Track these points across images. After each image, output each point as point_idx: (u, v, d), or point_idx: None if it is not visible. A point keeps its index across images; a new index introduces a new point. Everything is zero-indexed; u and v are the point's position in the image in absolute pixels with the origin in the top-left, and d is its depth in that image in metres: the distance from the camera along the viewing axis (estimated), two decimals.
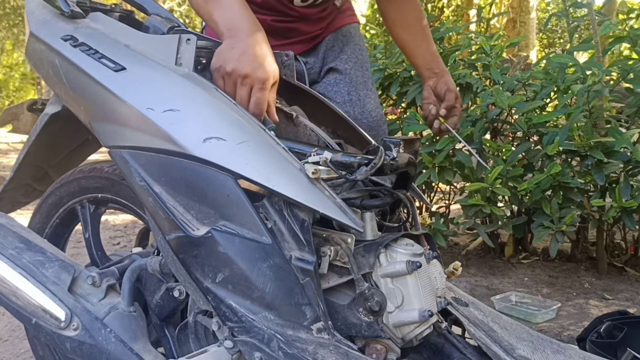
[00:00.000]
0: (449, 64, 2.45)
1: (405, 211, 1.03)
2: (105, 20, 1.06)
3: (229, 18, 0.99)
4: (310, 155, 0.87)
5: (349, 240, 0.85)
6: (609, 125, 2.18)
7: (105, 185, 1.15)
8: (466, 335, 0.96)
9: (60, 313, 0.99)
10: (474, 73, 2.45)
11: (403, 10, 1.39)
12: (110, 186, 1.14)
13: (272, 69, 0.96)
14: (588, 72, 2.10)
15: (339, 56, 1.43)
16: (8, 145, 8.88)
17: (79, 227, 1.32)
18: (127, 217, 3.48)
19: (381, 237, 0.91)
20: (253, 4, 1.31)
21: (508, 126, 2.45)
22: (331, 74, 1.42)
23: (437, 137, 2.41)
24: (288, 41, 1.37)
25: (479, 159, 1.49)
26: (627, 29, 2.18)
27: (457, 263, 1.05)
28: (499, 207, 2.28)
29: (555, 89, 2.22)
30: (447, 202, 2.80)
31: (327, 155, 0.86)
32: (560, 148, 2.06)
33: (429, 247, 0.98)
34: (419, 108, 2.59)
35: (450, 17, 8.17)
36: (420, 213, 2.84)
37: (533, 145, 2.26)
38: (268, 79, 0.95)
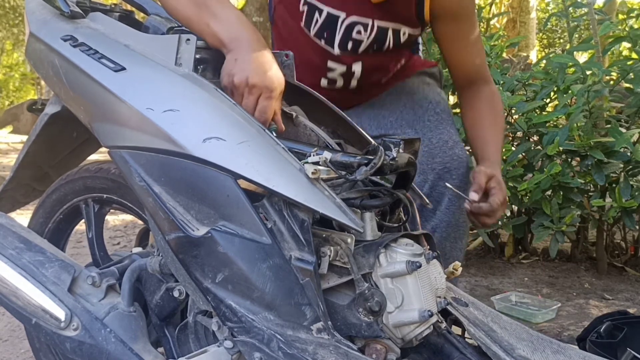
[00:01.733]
0: None
1: (405, 211, 1.02)
2: (105, 20, 1.06)
3: (228, 28, 0.97)
4: (310, 155, 0.87)
5: (349, 240, 0.85)
6: (609, 125, 2.18)
7: (111, 186, 1.15)
8: (466, 335, 0.96)
9: (60, 313, 0.99)
10: None
11: (477, 108, 1.33)
12: (117, 188, 1.14)
13: (278, 77, 0.96)
14: (588, 72, 2.10)
15: (382, 122, 1.38)
16: (8, 145, 8.88)
17: (79, 227, 1.32)
18: (127, 217, 3.48)
19: (381, 237, 0.91)
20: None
21: (508, 126, 2.45)
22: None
23: None
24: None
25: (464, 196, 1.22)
26: (627, 29, 2.18)
27: (457, 263, 1.05)
28: None
29: (555, 89, 2.21)
30: None
31: (327, 155, 0.86)
32: (560, 148, 2.06)
33: (429, 247, 0.98)
34: None
35: None
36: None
37: (533, 145, 2.26)
38: (276, 88, 0.94)
